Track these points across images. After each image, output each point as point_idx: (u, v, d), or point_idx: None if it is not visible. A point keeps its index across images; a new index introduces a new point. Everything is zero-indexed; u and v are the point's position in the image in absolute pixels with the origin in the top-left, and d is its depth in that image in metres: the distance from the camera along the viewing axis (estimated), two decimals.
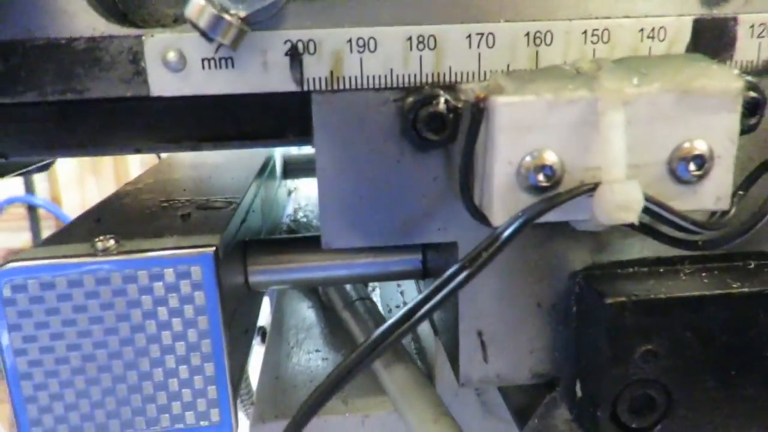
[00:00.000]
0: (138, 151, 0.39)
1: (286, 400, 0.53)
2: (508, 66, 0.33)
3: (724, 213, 0.32)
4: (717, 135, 0.30)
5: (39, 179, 2.46)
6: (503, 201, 0.30)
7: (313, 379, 0.54)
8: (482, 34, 0.32)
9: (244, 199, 0.50)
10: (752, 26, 0.34)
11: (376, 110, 0.33)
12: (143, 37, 0.31)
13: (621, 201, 0.28)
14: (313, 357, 0.56)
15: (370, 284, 0.70)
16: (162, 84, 0.32)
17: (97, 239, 0.36)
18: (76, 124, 0.39)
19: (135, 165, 2.31)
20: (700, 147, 0.30)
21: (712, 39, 0.34)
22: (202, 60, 0.32)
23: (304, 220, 0.95)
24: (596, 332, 0.34)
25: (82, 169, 2.44)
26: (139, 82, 0.32)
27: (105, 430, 0.36)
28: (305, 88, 0.32)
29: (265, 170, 0.74)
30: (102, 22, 0.31)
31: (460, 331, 0.37)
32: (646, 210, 0.29)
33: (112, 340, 0.36)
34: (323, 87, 0.32)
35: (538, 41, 0.33)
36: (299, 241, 0.50)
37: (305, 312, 0.66)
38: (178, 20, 0.33)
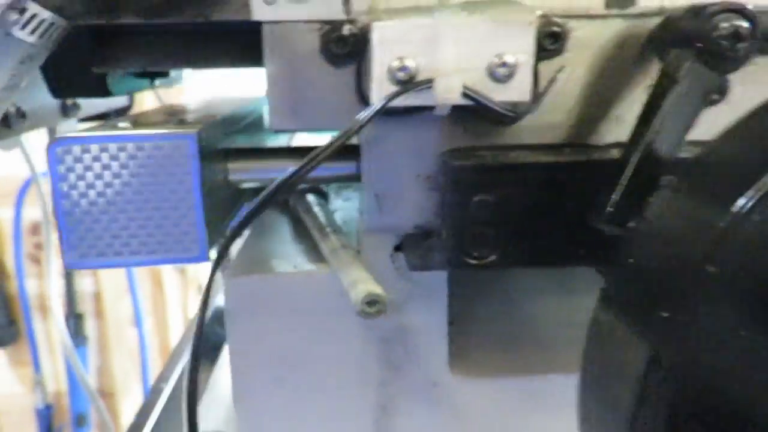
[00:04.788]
0: None
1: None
2: None
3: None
4: (519, 50, 0.47)
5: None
6: (379, 89, 0.47)
7: None
8: None
9: (225, 115, 0.67)
10: None
11: (302, 38, 0.50)
12: None
13: (444, 87, 0.45)
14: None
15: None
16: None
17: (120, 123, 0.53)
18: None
19: None
20: (509, 59, 0.47)
21: None
22: None
23: None
24: (445, 187, 0.51)
25: None
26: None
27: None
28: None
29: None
30: None
31: (365, 191, 0.54)
32: (468, 96, 0.46)
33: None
34: None
35: None
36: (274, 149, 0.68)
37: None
38: None
